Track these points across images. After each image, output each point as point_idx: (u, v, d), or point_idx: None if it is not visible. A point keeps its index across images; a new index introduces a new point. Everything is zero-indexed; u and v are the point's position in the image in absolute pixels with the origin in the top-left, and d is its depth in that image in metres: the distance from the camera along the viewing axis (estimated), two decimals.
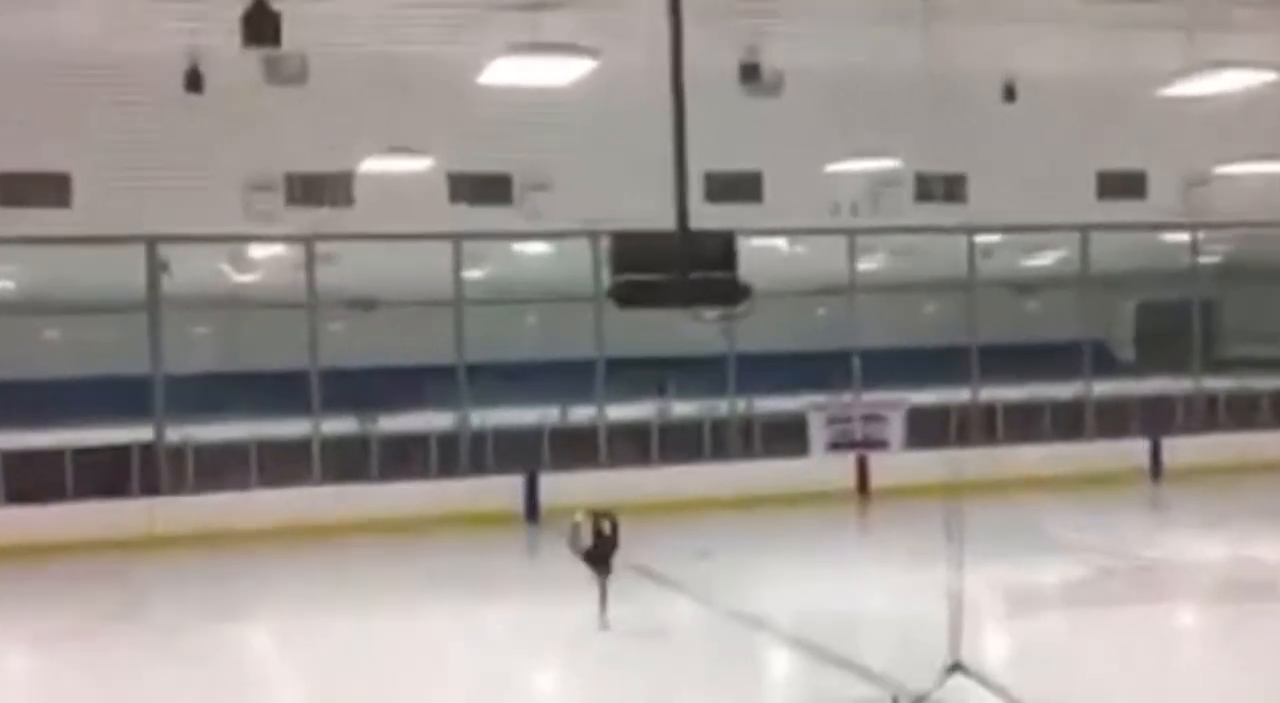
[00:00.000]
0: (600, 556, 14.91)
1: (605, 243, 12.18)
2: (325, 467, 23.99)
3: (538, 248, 27.02)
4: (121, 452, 22.99)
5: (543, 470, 24.33)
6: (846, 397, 27.26)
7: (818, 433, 25.98)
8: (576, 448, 25.35)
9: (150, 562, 20.48)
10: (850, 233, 26.48)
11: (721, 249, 10.76)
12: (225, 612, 16.80)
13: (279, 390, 25.83)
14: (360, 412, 25.70)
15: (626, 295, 10.45)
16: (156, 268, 23.30)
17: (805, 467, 25.36)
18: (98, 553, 20.57)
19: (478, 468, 24.66)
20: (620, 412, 26.17)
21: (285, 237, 23.84)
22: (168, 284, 23.58)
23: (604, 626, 14.61)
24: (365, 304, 25.70)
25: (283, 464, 23.87)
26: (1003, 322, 28.79)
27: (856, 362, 27.18)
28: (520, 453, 24.79)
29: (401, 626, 15.77)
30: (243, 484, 23.28)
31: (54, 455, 22.56)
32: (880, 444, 26.08)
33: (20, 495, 21.84)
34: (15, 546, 20.31)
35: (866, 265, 27.90)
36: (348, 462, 24.23)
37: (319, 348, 24.35)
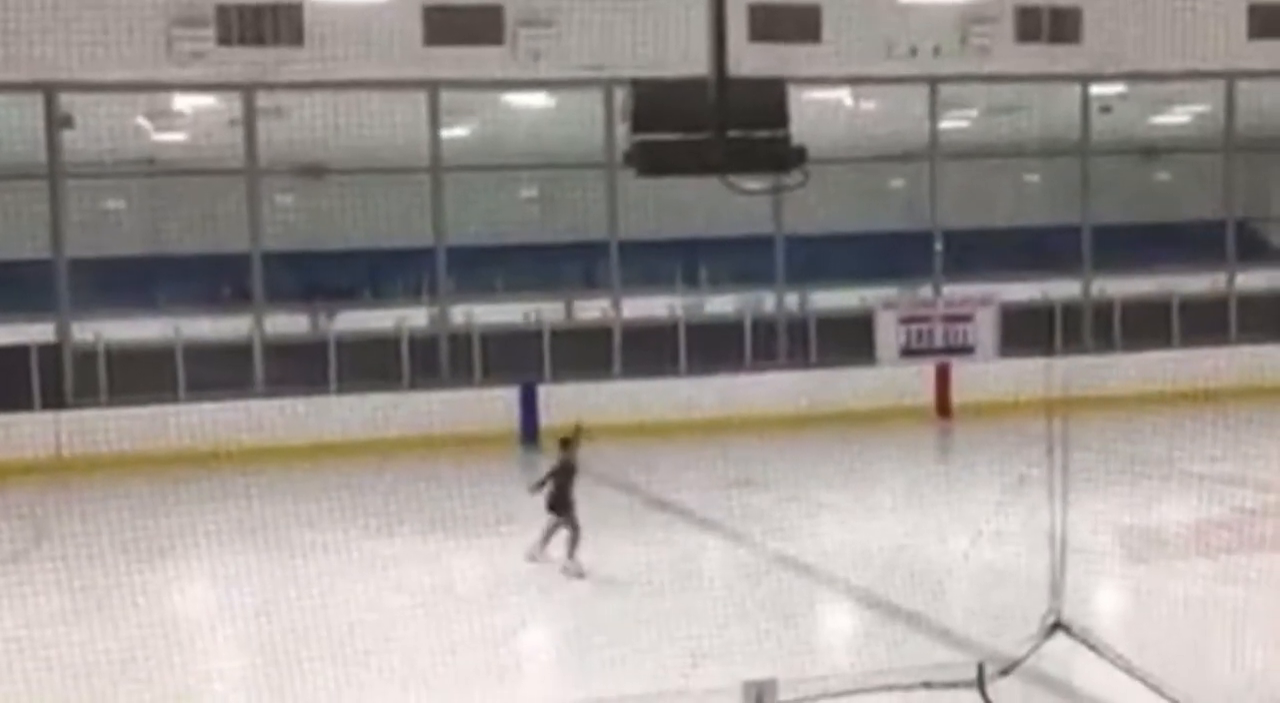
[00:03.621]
0: (556, 487, 15.72)
1: (621, 94, 12.01)
2: (269, 374, 24.13)
3: (535, 100, 26.83)
4: (18, 354, 23.14)
5: (542, 381, 24.43)
6: (924, 291, 27.21)
7: (887, 336, 25.99)
8: (584, 353, 25.43)
9: (54, 491, 20.66)
10: (932, 82, 26.23)
11: (769, 102, 10.58)
12: (141, 552, 16.94)
13: (212, 279, 25.92)
14: (314, 306, 25.79)
15: (649, 160, 10.30)
16: (57, 124, 23.25)
17: (871, 378, 25.41)
18: None
19: (461, 378, 24.77)
20: (638, 308, 26.20)
21: (218, 85, 23.72)
22: (70, 145, 23.58)
23: (570, 571, 15.35)
24: (319, 171, 25.62)
25: (217, 370, 24.03)
26: (1123, 196, 28.60)
27: (938, 247, 27.09)
28: (515, 359, 24.88)
29: (350, 576, 15.95)
30: (167, 395, 23.42)
31: None
32: (965, 350, 26.08)
33: None
34: None
35: (952, 124, 27.67)
36: (298, 368, 24.37)
37: (262, 226, 24.37)
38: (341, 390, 24.18)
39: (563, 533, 15.84)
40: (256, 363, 24.23)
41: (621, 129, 11.29)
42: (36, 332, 23.55)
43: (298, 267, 25.60)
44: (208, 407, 22.92)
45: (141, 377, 23.67)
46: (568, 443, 16.22)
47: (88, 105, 23.59)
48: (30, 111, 23.07)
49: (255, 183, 24.30)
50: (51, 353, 23.45)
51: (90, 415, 22.62)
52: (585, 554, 15.74)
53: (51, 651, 13.17)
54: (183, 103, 25.54)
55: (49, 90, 23.00)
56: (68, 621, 14.32)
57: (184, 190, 25.30)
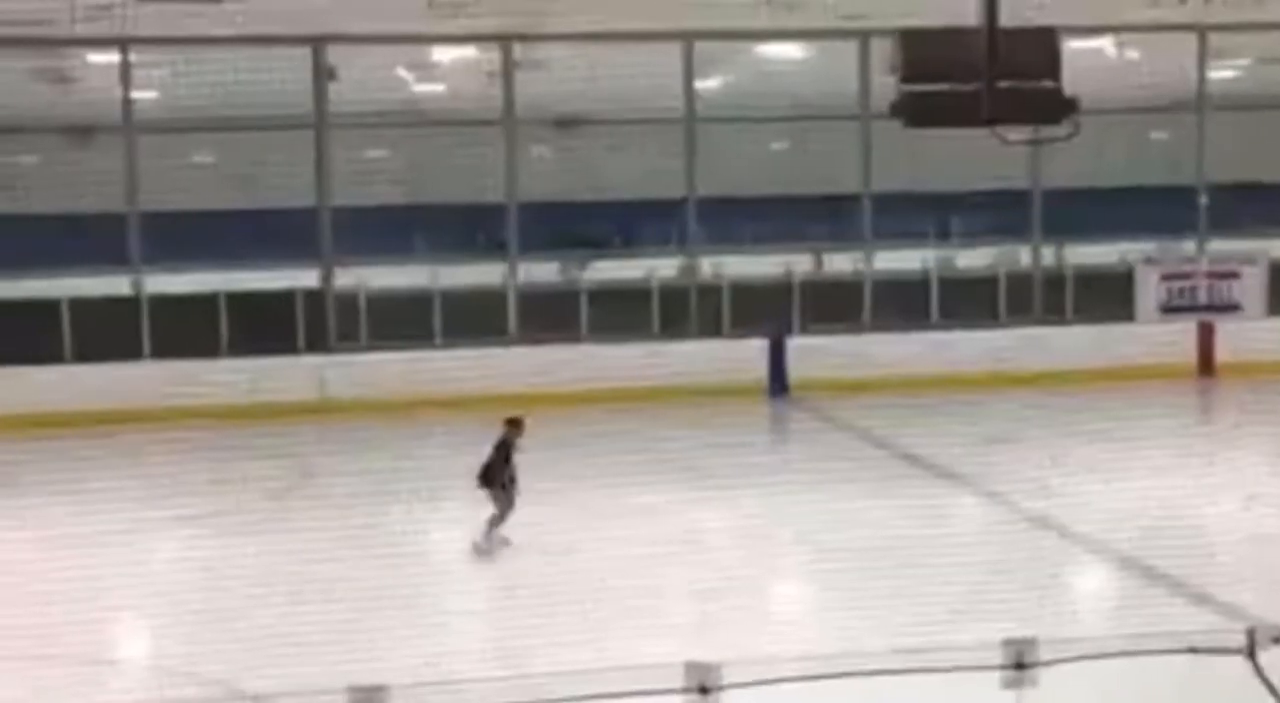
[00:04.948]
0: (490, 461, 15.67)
1: (882, 45, 11.90)
2: (523, 322, 24.54)
3: (790, 51, 26.66)
4: (284, 299, 23.98)
5: (791, 333, 24.41)
6: (1188, 246, 26.45)
7: (1148, 292, 25.36)
8: (834, 305, 25.31)
9: (317, 432, 21.34)
10: (1200, 30, 25.38)
11: (1040, 52, 10.38)
12: (400, 493, 17.41)
13: (468, 227, 26.44)
14: (566, 256, 26.14)
15: (918, 111, 10.20)
16: (323, 76, 23.95)
17: (1130, 335, 24.82)
18: (257, 420, 21.55)
19: (709, 328, 24.87)
20: (890, 261, 25.98)
21: (477, 37, 24.14)
22: (336, 96, 24.28)
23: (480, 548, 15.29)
24: (574, 122, 25.91)
25: (471, 318, 24.51)
26: None
27: (1203, 201, 26.28)
28: (764, 310, 24.87)
29: (598, 523, 16.20)
30: (423, 341, 24.00)
31: (205, 302, 23.70)
32: (1230, 308, 25.33)
33: (168, 348, 23.03)
34: (161, 409, 21.40)
35: (1221, 73, 26.76)
36: (550, 317, 24.74)
37: (517, 176, 24.78)
38: (592, 338, 24.43)
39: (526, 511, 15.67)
40: (510, 311, 24.67)
41: (885, 80, 11.20)
42: (302, 277, 24.34)
43: (551, 216, 25.95)
44: (460, 353, 23.40)
45: (399, 323, 24.28)
46: (514, 424, 16.15)
47: (352, 57, 24.21)
48: (299, 64, 23.75)
49: (512, 133, 24.70)
50: (316, 298, 24.22)
51: (351, 360, 23.35)
52: (836, 504, 15.67)
53: (320, 585, 13.72)
54: (441, 54, 26.05)
55: (317, 44, 23.69)
56: (333, 557, 14.82)
57: (442, 140, 25.83)
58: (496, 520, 15.59)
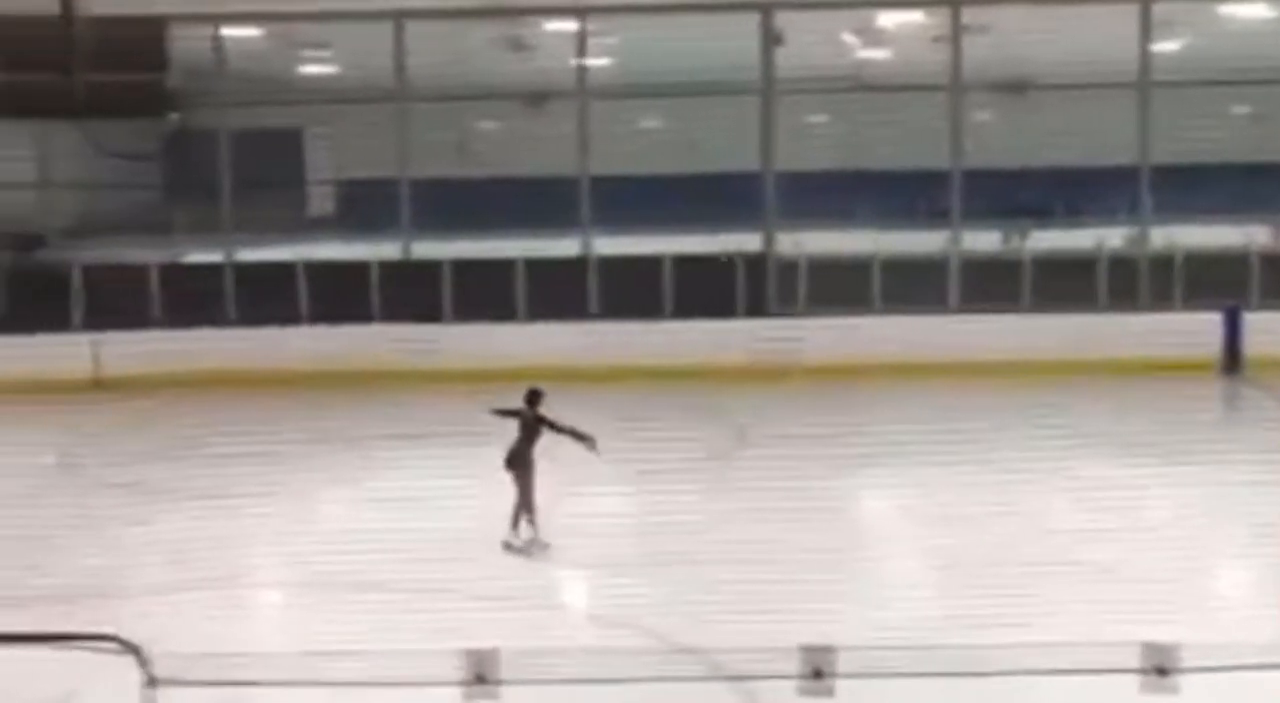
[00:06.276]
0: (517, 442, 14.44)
1: None
2: (965, 290, 24.24)
3: (1254, 10, 25.34)
4: (723, 263, 24.37)
5: (1249, 307, 23.28)
6: None
7: None
8: None
9: (751, 394, 21.67)
10: None
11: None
12: (835, 457, 17.48)
13: (908, 195, 26.27)
14: (1009, 223, 25.66)
15: None
16: (770, 41, 24.17)
17: None
18: (697, 381, 22.04)
19: (1161, 300, 23.95)
20: None
21: (926, 1, 23.90)
22: (781, 61, 24.47)
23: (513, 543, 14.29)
24: (1021, 87, 25.33)
25: (912, 285, 24.33)
26: None
27: None
28: (1220, 283, 23.74)
29: (1028, 492, 15.96)
30: (862, 307, 23.99)
31: (649, 265, 24.34)
32: None
33: (614, 310, 23.78)
34: (605, 368, 22.20)
35: None
36: (991, 286, 24.33)
37: (962, 143, 24.44)
38: (1035, 308, 23.90)
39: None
40: (952, 279, 24.39)
41: None
42: (744, 241, 24.67)
43: (993, 184, 25.49)
44: (900, 320, 23.35)
45: (838, 288, 24.32)
46: (534, 398, 14.63)
47: (799, 23, 24.34)
48: (747, 31, 24.01)
49: (958, 99, 24.36)
50: (757, 262, 24.52)
51: (786, 324, 23.56)
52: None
53: (757, 546, 13.96)
54: (887, 20, 25.91)
55: (765, 9, 23.92)
56: (771, 519, 15.05)
57: (885, 106, 25.69)
58: (523, 509, 14.48)
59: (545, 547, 14.41)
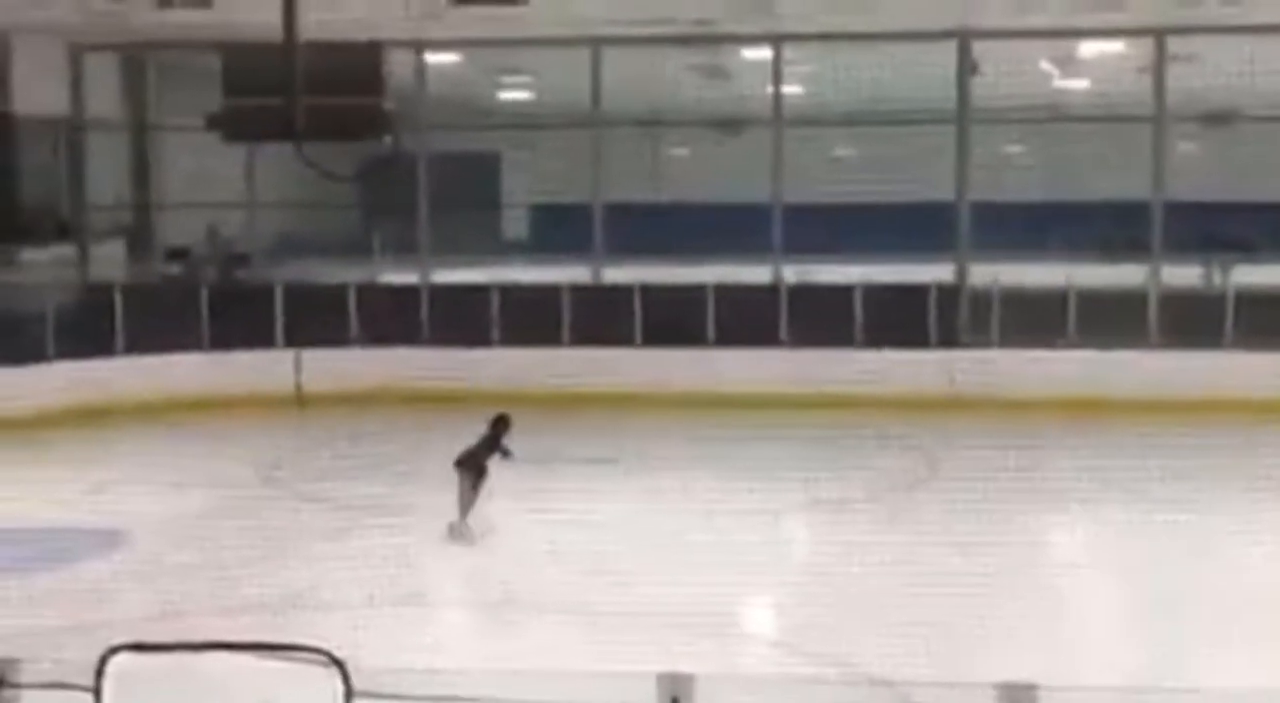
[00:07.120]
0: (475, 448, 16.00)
1: None
2: (1163, 326, 23.71)
3: None
4: (918, 292, 24.17)
5: None
6: None
7: None
8: None
9: (941, 427, 21.42)
10: None
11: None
12: (1023, 494, 17.21)
13: (1105, 226, 25.80)
14: (1210, 258, 25.06)
15: None
16: (967, 70, 23.98)
17: None
18: (888, 410, 21.89)
19: None
20: None
21: (1128, 30, 23.50)
22: (977, 90, 24.25)
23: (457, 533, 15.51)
24: (1227, 118, 24.81)
25: (1107, 319, 23.85)
26: None
27: None
28: None
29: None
30: (1056, 339, 23.61)
31: (841, 293, 24.23)
32: None
33: (803, 337, 23.73)
34: (797, 395, 22.15)
35: None
36: (1190, 321, 23.75)
37: (1164, 174, 23.96)
38: (1236, 345, 23.21)
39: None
40: (1151, 314, 23.88)
41: None
42: (935, 272, 24.46)
43: (1195, 217, 24.95)
44: (1088, 355, 22.96)
45: (1032, 320, 23.95)
46: (500, 423, 16.35)
47: (996, 51, 24.13)
48: (943, 59, 23.88)
49: (1162, 130, 23.89)
50: (950, 292, 24.29)
51: (979, 356, 23.27)
52: None
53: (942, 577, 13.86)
54: (1088, 49, 25.56)
55: (962, 38, 23.75)
56: (956, 547, 14.88)
57: (1083, 136, 25.33)
58: (468, 504, 15.87)
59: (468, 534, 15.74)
